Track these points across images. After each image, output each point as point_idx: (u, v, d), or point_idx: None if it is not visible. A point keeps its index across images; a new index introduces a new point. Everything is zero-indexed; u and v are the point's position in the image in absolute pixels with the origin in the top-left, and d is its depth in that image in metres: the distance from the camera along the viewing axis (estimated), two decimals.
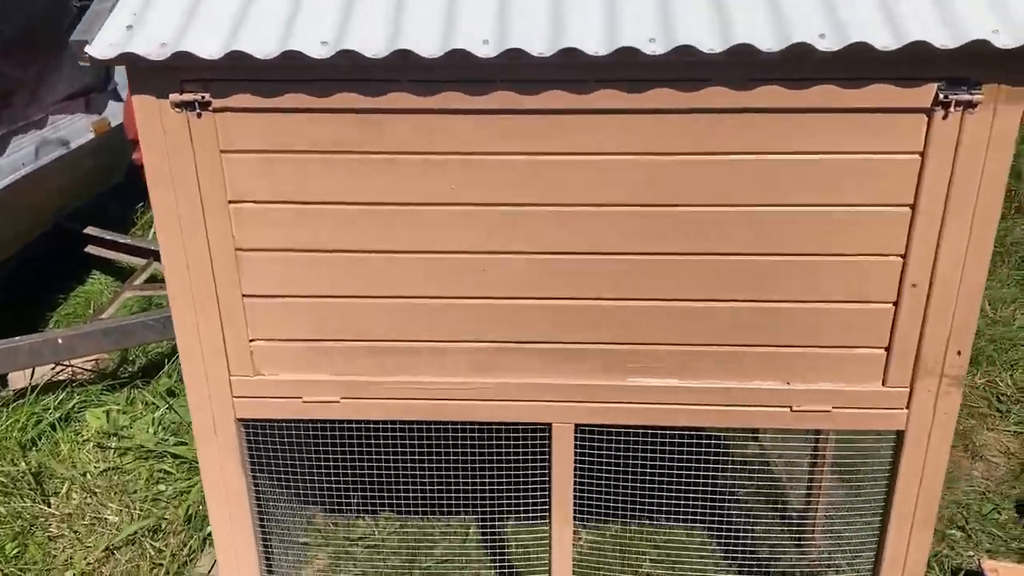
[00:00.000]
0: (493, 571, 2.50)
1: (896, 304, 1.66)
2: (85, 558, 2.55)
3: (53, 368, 3.17)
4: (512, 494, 2.09)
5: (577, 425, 1.83)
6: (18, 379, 3.26)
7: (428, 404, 1.81)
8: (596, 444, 1.95)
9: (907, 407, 1.74)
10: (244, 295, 1.73)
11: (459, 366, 1.78)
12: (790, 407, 1.76)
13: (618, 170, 1.60)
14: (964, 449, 3.22)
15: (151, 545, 2.59)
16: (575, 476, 1.90)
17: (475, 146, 1.59)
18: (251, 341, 1.77)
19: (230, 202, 1.65)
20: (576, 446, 1.89)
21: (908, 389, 1.73)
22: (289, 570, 2.44)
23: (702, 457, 2.05)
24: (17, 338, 2.96)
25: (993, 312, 4.09)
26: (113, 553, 2.58)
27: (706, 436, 2.06)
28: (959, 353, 1.68)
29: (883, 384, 1.73)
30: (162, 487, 2.86)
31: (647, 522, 2.55)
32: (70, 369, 3.28)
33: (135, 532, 2.60)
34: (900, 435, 1.78)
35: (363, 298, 1.73)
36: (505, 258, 1.68)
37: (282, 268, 1.71)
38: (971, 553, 2.64)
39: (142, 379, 3.38)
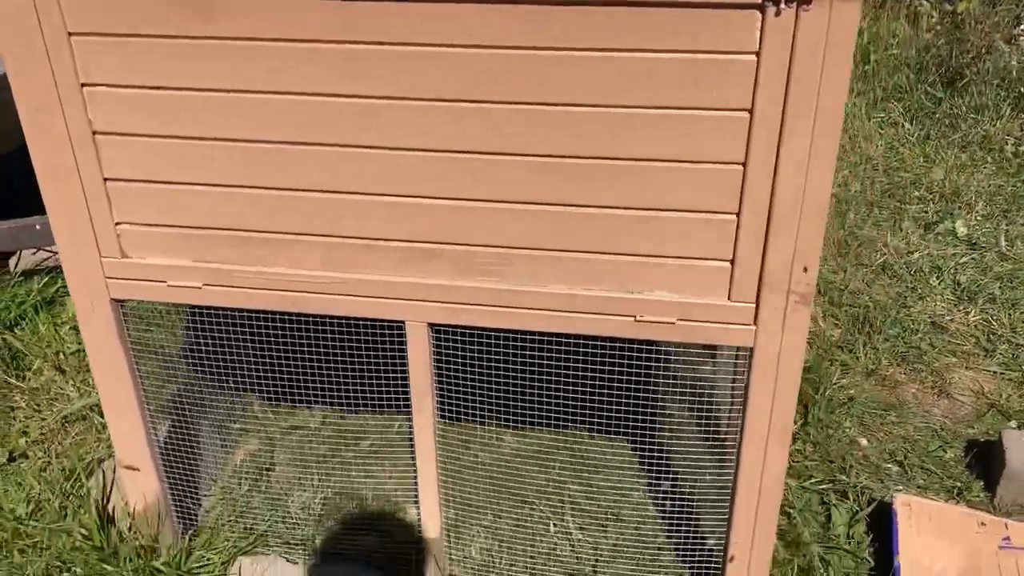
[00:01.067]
0: (408, 466, 2.57)
1: (738, 215, 1.60)
2: (40, 428, 2.74)
3: (34, 253, 3.36)
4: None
5: (430, 324, 1.85)
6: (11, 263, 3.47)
7: (284, 295, 1.85)
8: (517, 344, 1.98)
9: (754, 323, 1.69)
10: (106, 178, 1.78)
11: (312, 259, 1.81)
12: (634, 316, 1.72)
13: (454, 63, 1.56)
14: (932, 386, 3.10)
15: (98, 421, 2.75)
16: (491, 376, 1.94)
17: (312, 34, 1.57)
18: (117, 224, 1.83)
19: (83, 85, 1.69)
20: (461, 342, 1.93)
21: (754, 305, 1.67)
22: (218, 452, 2.58)
23: (626, 365, 2.04)
24: None
25: (1009, 247, 3.85)
26: (66, 426, 2.76)
27: (634, 346, 2.04)
28: (805, 270, 1.61)
29: (728, 299, 1.68)
30: None
31: (568, 429, 2.57)
32: (57, 256, 3.46)
33: (84, 407, 2.78)
34: (751, 353, 1.73)
35: (218, 186, 1.77)
36: (352, 152, 1.68)
37: (140, 153, 1.75)
38: (900, 488, 2.57)
39: None
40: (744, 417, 1.78)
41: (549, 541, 2.27)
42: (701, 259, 1.66)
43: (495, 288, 1.77)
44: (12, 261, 3.47)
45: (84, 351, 3.12)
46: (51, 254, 3.42)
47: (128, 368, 1.99)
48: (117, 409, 2.04)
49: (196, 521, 2.32)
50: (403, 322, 1.85)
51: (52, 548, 2.25)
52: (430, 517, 2.09)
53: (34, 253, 3.37)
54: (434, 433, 1.97)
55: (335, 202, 1.74)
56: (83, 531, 2.25)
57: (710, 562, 2.07)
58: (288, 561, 2.19)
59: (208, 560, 2.20)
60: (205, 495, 2.41)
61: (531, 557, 2.21)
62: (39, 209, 2.87)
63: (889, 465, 2.69)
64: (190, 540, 2.25)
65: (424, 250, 1.77)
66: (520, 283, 1.75)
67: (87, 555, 2.18)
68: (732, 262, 1.64)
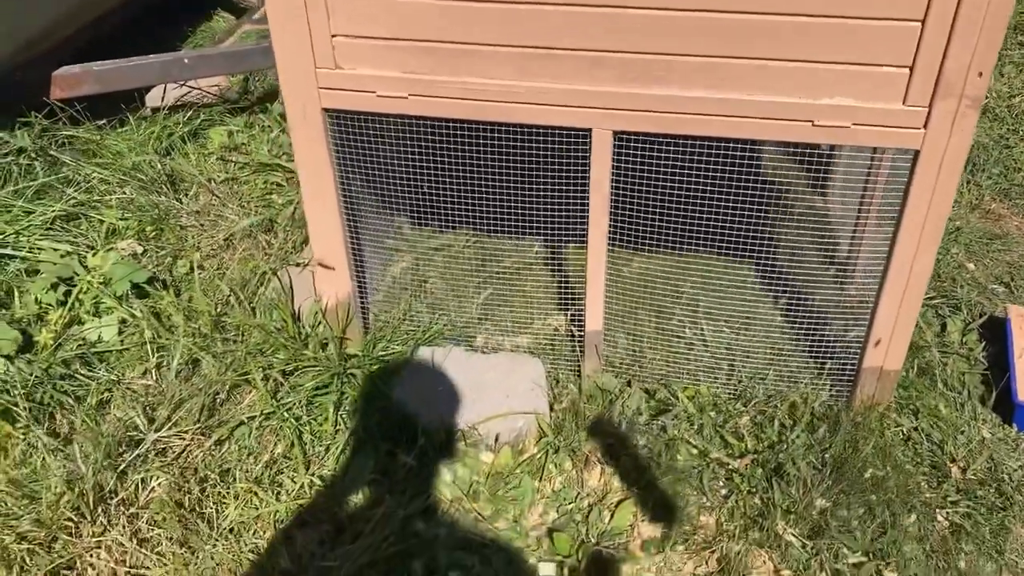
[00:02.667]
0: (551, 280, 2.82)
1: (923, 22, 1.74)
2: (209, 244, 3.01)
3: (178, 86, 3.55)
4: (573, 221, 2.34)
5: (615, 132, 2.03)
6: (154, 99, 3.67)
7: (480, 104, 2.03)
8: (648, 170, 2.16)
9: (924, 127, 1.85)
10: None
11: (506, 69, 1.98)
12: (812, 121, 1.89)
13: None
14: None
15: (263, 238, 3.02)
16: (625, 197, 2.14)
17: None
18: (333, 37, 2.01)
19: None
20: (626, 166, 2.12)
21: (927, 109, 1.83)
22: (378, 265, 2.84)
23: (757, 197, 2.23)
24: (151, 56, 3.33)
25: None
26: (232, 242, 3.03)
27: (760, 177, 2.22)
28: (980, 74, 1.76)
29: (903, 103, 1.84)
30: (274, 196, 3.27)
31: (696, 251, 2.78)
32: (197, 92, 3.66)
33: (250, 225, 3.04)
34: (916, 155, 1.90)
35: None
36: None
37: None
38: (1008, 304, 2.77)
39: (259, 105, 3.75)
40: (901, 215, 1.98)
41: (686, 341, 2.52)
42: (881, 65, 1.81)
43: (679, 95, 1.94)
44: (152, 96, 3.67)
45: (232, 180, 3.38)
46: (192, 89, 3.62)
47: (331, 173, 2.22)
48: (320, 211, 2.28)
49: (369, 323, 2.60)
50: (589, 130, 2.04)
51: (250, 340, 2.54)
52: (593, 314, 2.34)
53: (177, 87, 3.57)
54: (606, 237, 2.19)
55: (527, 12, 1.90)
56: (276, 324, 2.54)
57: (846, 356, 2.32)
58: (464, 350, 2.47)
59: (393, 350, 2.49)
60: (373, 301, 2.68)
61: (672, 354, 2.47)
62: None
63: (995, 286, 2.89)
64: (375, 334, 2.53)
65: (609, 59, 1.93)
66: (705, 90, 1.92)
67: (284, 343, 2.48)
68: (911, 68, 1.79)
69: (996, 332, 2.62)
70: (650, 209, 2.41)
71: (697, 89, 1.92)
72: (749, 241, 2.38)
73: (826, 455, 2.14)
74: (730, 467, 2.19)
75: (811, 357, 2.40)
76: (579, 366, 2.47)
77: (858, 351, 2.25)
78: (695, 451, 2.24)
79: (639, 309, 2.61)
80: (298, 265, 2.85)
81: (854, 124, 1.88)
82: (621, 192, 2.27)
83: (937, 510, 2.12)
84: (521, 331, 2.62)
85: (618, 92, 1.96)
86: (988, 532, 2.07)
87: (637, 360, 2.47)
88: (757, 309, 2.60)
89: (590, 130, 2.03)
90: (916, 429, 2.31)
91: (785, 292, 2.62)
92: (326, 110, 2.13)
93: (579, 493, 2.18)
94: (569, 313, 2.64)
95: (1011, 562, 2.02)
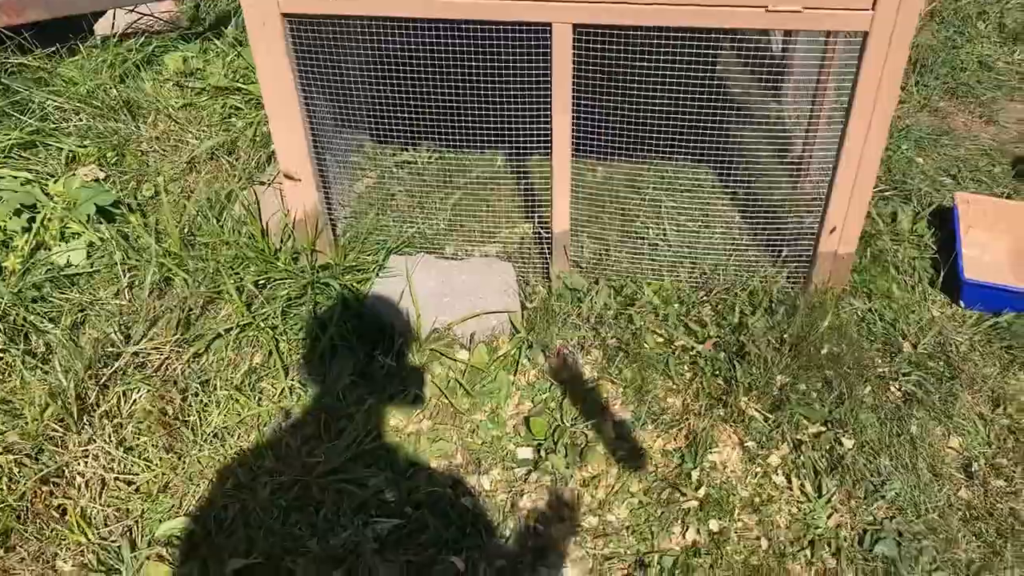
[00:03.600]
0: (517, 190, 2.86)
1: None
2: (172, 168, 3.00)
3: (127, 12, 3.49)
4: (534, 131, 2.37)
5: (574, 26, 2.06)
6: (103, 28, 3.60)
7: (435, 1, 2.05)
8: (607, 74, 2.20)
9: (872, 8, 1.91)
10: None
11: None
12: (765, 7, 1.94)
13: None
14: (980, 116, 3.37)
15: (226, 160, 3.02)
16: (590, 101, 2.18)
17: None
18: None
19: None
20: (585, 72, 2.16)
21: None
22: (343, 182, 2.85)
23: (713, 102, 2.28)
24: None
25: None
26: (195, 166, 3.02)
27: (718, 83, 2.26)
28: None
29: None
30: (233, 120, 3.25)
31: (656, 158, 2.84)
32: (147, 20, 3.60)
33: (212, 148, 3.03)
34: (864, 37, 1.96)
35: None
36: None
37: None
38: (955, 192, 2.88)
39: (212, 31, 3.70)
40: (852, 100, 2.05)
41: (649, 241, 2.60)
42: None
43: None
44: (101, 25, 3.60)
45: (190, 106, 3.35)
46: (142, 15, 3.55)
47: (293, 82, 2.22)
48: (283, 121, 2.29)
49: (339, 236, 2.63)
50: (549, 24, 2.07)
51: (220, 256, 2.56)
52: (560, 215, 2.40)
53: (127, 12, 3.50)
54: (570, 135, 2.23)
55: None
56: (246, 239, 2.56)
57: (802, 244, 2.41)
58: (436, 257, 2.52)
59: (364, 260, 2.53)
60: (340, 217, 2.71)
61: (636, 254, 2.55)
62: None
63: (944, 178, 3.00)
64: (345, 245, 2.57)
65: None
66: None
67: (255, 258, 2.51)
68: None
69: (944, 220, 2.73)
70: (610, 116, 2.45)
71: None
72: (707, 143, 2.44)
73: (785, 335, 2.25)
74: (694, 352, 2.29)
75: (768, 247, 2.49)
76: (547, 268, 2.53)
77: (813, 238, 2.35)
78: (661, 339, 2.33)
79: (603, 213, 2.67)
80: (263, 184, 2.86)
81: (805, 8, 1.93)
82: (581, 98, 2.31)
83: (890, 382, 2.24)
84: (489, 240, 2.67)
85: None
86: (938, 399, 2.19)
87: (603, 260, 2.54)
88: (716, 206, 2.68)
89: (550, 24, 2.06)
90: (870, 310, 2.42)
91: (742, 188, 2.70)
92: (285, 15, 2.13)
93: (552, 384, 2.26)
94: (536, 217, 2.70)
95: (959, 425, 2.15)
